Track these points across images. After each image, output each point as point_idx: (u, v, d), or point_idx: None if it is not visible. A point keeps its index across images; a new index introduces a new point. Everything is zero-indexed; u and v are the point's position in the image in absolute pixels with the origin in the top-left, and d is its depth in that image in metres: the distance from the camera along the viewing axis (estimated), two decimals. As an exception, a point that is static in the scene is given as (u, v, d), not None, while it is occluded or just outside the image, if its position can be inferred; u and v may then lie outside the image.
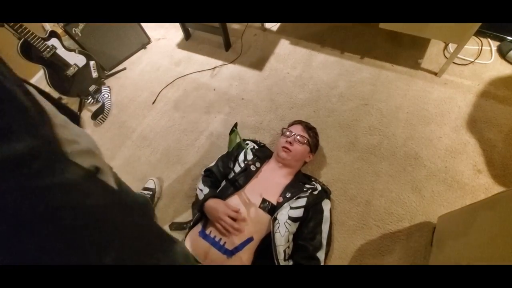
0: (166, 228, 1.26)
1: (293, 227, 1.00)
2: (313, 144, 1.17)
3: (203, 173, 1.22)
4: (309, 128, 1.19)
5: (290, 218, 0.99)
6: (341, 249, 1.13)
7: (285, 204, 1.00)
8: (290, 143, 1.10)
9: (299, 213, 1.01)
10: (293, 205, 1.01)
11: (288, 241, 0.98)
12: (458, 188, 1.19)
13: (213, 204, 0.98)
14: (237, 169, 1.14)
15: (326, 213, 1.04)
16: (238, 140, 0.93)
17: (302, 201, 1.03)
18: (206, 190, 1.11)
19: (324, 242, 1.01)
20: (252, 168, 1.11)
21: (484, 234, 0.76)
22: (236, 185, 1.06)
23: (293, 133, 1.13)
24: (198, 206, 1.03)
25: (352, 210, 1.21)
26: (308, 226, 1.01)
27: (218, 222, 0.95)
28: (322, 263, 0.97)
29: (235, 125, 0.90)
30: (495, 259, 0.67)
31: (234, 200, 1.02)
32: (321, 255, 0.99)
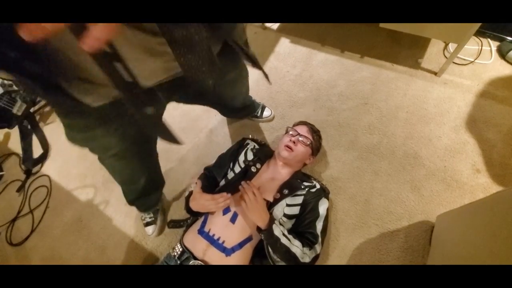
0: (164, 227, 1.26)
1: (288, 224, 1.00)
2: (316, 148, 1.16)
3: (203, 171, 1.22)
4: (314, 131, 1.18)
5: (285, 215, 0.98)
6: (340, 247, 1.14)
7: (282, 201, 1.00)
8: (294, 142, 1.09)
9: (295, 210, 1.00)
10: (290, 202, 1.01)
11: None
12: (457, 188, 1.20)
13: (195, 201, 0.99)
14: (237, 169, 1.13)
15: (322, 212, 1.02)
16: None
17: (299, 199, 1.02)
18: (199, 182, 1.07)
19: (319, 239, 0.98)
20: (253, 169, 1.09)
21: (482, 233, 0.76)
22: (236, 186, 1.05)
23: (297, 133, 1.13)
24: (185, 207, 1.04)
25: (351, 209, 1.21)
26: (303, 222, 1.00)
27: (213, 210, 0.96)
28: (317, 253, 0.96)
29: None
30: (493, 259, 0.67)
31: (233, 201, 1.02)
32: (317, 247, 0.97)
